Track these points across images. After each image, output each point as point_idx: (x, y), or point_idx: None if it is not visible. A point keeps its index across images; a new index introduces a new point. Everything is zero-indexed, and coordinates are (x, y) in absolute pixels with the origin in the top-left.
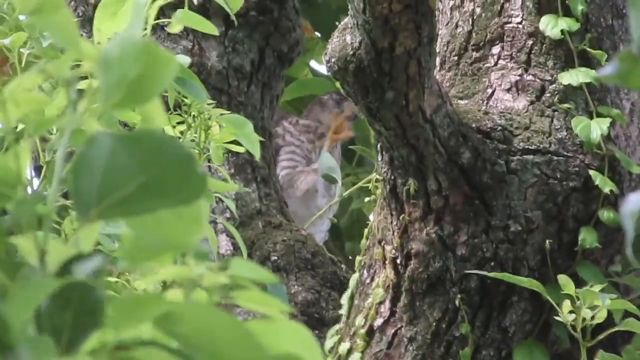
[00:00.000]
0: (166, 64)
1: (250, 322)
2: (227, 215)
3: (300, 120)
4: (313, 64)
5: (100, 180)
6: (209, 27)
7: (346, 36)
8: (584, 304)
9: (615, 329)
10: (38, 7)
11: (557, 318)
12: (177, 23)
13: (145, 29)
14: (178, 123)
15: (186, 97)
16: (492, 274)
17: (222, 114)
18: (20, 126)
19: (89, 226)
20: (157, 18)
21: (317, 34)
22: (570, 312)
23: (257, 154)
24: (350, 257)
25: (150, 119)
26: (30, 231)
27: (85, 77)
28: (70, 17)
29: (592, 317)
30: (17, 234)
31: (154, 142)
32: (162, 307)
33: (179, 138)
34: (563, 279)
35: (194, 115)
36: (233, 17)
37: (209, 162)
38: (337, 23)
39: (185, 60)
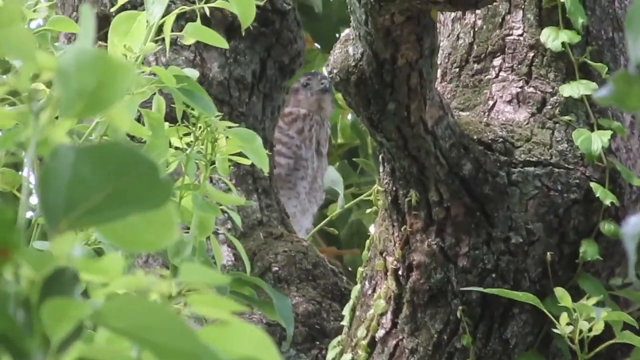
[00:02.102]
0: (122, 72)
1: (206, 327)
2: (229, 226)
3: (285, 110)
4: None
5: (66, 192)
6: (217, 40)
7: (348, 47)
8: (580, 316)
9: (612, 341)
10: None
11: (555, 331)
12: (188, 36)
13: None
14: (185, 135)
15: (193, 110)
16: (488, 290)
17: (229, 127)
18: None
19: (60, 237)
20: (162, 31)
21: (317, 45)
22: (568, 324)
23: (266, 169)
24: (350, 269)
25: (116, 125)
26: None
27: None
28: (25, 30)
29: (589, 329)
30: None
31: (118, 153)
32: (87, 308)
33: (185, 149)
34: (560, 291)
35: (201, 128)
36: (240, 26)
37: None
38: (337, 35)
39: (194, 73)
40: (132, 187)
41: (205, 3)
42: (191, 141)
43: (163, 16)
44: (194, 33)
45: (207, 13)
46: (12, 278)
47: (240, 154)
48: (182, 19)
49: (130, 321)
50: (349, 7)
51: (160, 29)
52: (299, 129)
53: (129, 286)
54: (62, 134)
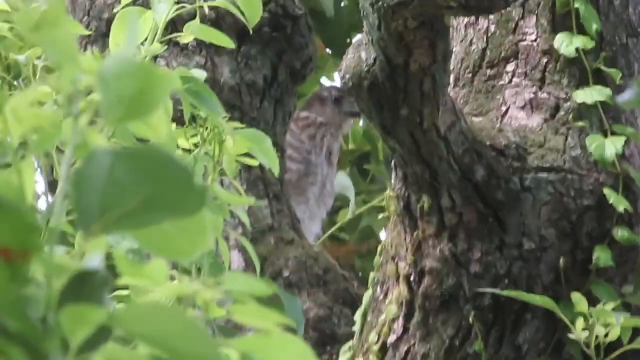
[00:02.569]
0: (163, 80)
1: (248, 337)
2: (240, 231)
3: (301, 112)
4: (324, 80)
5: (101, 195)
6: (223, 40)
7: (361, 52)
8: (597, 321)
9: (629, 347)
10: (38, 23)
11: (570, 336)
12: (189, 34)
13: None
14: (192, 136)
15: (200, 111)
16: (505, 292)
17: (237, 128)
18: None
19: (93, 240)
20: (171, 33)
21: (329, 51)
22: (584, 329)
23: (276, 170)
24: (360, 274)
25: (155, 131)
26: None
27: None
28: (69, 33)
29: (606, 335)
30: None
31: (153, 157)
32: (103, 313)
33: (193, 151)
34: (576, 296)
35: (208, 129)
36: (250, 29)
37: (221, 175)
38: (348, 40)
39: (201, 74)
40: (167, 193)
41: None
42: (198, 142)
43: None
44: (197, 32)
45: (206, 12)
46: (43, 280)
47: (249, 156)
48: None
49: (147, 327)
50: (362, 12)
51: (167, 30)
52: (311, 135)
53: (173, 293)
54: (101, 138)
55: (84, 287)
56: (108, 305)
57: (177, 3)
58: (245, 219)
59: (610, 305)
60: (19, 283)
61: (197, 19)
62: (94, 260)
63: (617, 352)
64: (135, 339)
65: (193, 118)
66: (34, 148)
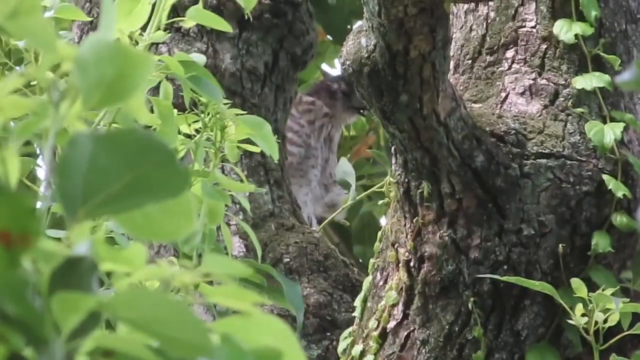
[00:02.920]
0: (141, 63)
1: (228, 318)
2: (241, 217)
3: (304, 97)
4: (325, 66)
5: (83, 181)
6: (222, 25)
7: (361, 39)
8: (596, 307)
9: (629, 332)
10: (14, 11)
11: (570, 321)
12: (190, 20)
13: (160, 28)
14: (194, 122)
15: (202, 96)
16: (504, 278)
17: (238, 114)
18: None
19: (78, 226)
20: (172, 19)
21: (329, 37)
22: (583, 315)
23: (275, 156)
24: (360, 260)
25: (134, 115)
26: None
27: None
28: (46, 20)
29: (605, 321)
30: None
31: (135, 140)
32: (92, 299)
33: (194, 136)
34: (576, 282)
35: (210, 115)
36: (248, 15)
37: (223, 162)
38: (349, 27)
39: (201, 59)
40: (150, 175)
41: None
42: (200, 128)
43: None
44: (196, 17)
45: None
46: (32, 266)
47: (250, 142)
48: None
49: (139, 313)
50: None
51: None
52: (310, 120)
53: (152, 276)
54: (80, 124)
55: (73, 273)
56: (96, 291)
57: None
58: (247, 205)
59: (609, 291)
60: (18, 267)
61: (200, 3)
62: (82, 246)
63: (617, 338)
64: (128, 325)
65: (195, 104)
66: (16, 135)
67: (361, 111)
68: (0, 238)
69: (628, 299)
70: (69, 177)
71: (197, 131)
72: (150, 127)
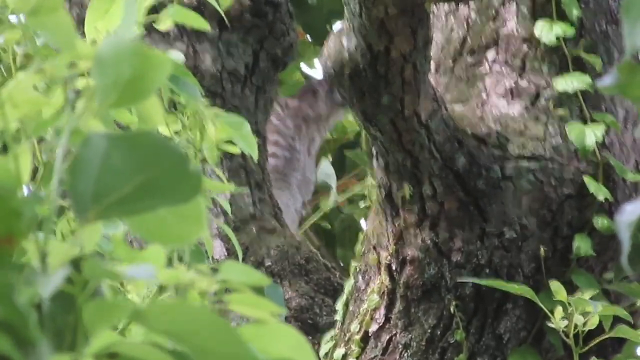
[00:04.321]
0: (159, 64)
1: (244, 326)
2: (222, 219)
3: (290, 101)
4: (304, 67)
5: (96, 181)
6: (201, 23)
7: (342, 40)
8: (576, 310)
9: (608, 335)
10: (35, 8)
11: (549, 324)
12: (167, 18)
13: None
14: (172, 122)
15: (180, 96)
16: (484, 282)
17: (218, 115)
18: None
19: (88, 227)
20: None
21: (308, 37)
22: (563, 318)
23: (255, 155)
24: (342, 264)
25: (147, 118)
26: (31, 232)
27: (83, 76)
28: (66, 18)
29: (584, 324)
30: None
31: (149, 143)
32: (127, 309)
33: (173, 138)
34: (555, 285)
35: (188, 115)
36: (223, 15)
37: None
38: (328, 27)
39: (179, 57)
40: (162, 179)
41: None
42: (179, 130)
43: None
44: (175, 15)
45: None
46: (40, 266)
47: (231, 144)
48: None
49: (172, 324)
50: None
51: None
52: (297, 125)
53: (170, 280)
54: (97, 124)
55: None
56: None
57: None
58: (227, 207)
59: (588, 294)
60: (3, 269)
61: (175, 2)
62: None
63: (597, 341)
64: (159, 334)
65: (173, 104)
66: (32, 133)
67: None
68: None
69: (609, 302)
70: (81, 176)
71: (176, 132)
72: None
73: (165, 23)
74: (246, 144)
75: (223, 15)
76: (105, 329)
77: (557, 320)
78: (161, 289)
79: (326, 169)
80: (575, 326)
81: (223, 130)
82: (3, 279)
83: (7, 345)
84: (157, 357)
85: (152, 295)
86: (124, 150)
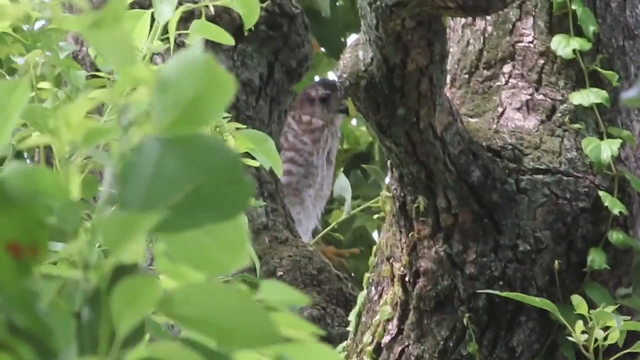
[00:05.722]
0: (225, 84)
1: (282, 344)
2: None
3: (302, 116)
4: (318, 79)
5: (146, 189)
6: (225, 38)
7: (358, 52)
8: (597, 324)
9: (629, 350)
10: (96, 21)
11: (569, 338)
12: (194, 33)
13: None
14: None
15: None
16: (504, 294)
17: (238, 128)
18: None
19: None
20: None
21: (323, 49)
22: (583, 332)
23: (280, 172)
24: (353, 274)
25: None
26: (75, 240)
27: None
28: (127, 35)
29: (605, 338)
30: (60, 241)
31: (203, 145)
32: (158, 292)
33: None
34: (577, 299)
35: (210, 128)
36: (246, 32)
37: None
38: (343, 39)
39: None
40: (214, 184)
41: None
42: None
43: None
44: (199, 30)
45: (212, 12)
46: (82, 275)
47: (247, 156)
48: (189, 21)
49: (200, 308)
50: (359, 11)
51: (166, 29)
52: (315, 139)
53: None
54: None
55: (119, 275)
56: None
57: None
58: (245, 219)
59: (610, 308)
60: (27, 278)
61: (203, 17)
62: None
63: (617, 355)
64: (188, 326)
65: None
66: (81, 153)
67: (341, 111)
68: (10, 249)
69: (630, 317)
70: (131, 184)
71: None
72: None
73: (193, 38)
74: (270, 160)
75: (250, 27)
76: (134, 316)
77: (578, 334)
78: None
79: (342, 183)
80: (596, 340)
81: (243, 144)
82: (26, 288)
83: (30, 355)
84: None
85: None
86: (178, 154)
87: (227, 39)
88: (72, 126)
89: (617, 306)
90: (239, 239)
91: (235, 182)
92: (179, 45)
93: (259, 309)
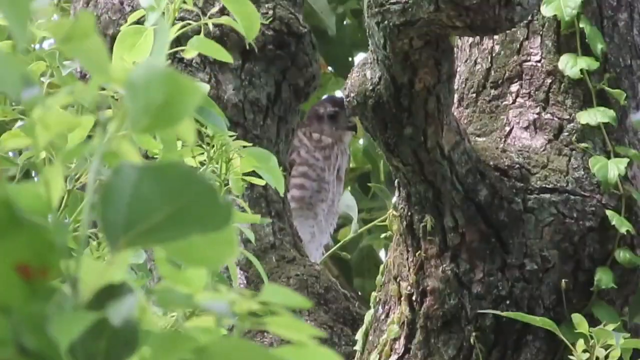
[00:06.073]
0: (190, 90)
1: (281, 348)
2: (242, 248)
3: (313, 133)
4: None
5: (127, 210)
6: (224, 55)
7: (366, 71)
8: (597, 343)
9: None
10: (68, 34)
11: (571, 358)
12: (192, 49)
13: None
14: (199, 154)
15: (206, 128)
16: (506, 314)
17: (244, 146)
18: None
19: (119, 255)
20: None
21: (330, 68)
22: (584, 351)
23: (281, 189)
24: (360, 293)
25: (172, 146)
26: (63, 258)
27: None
28: (100, 43)
29: (606, 356)
30: None
31: (178, 174)
32: (194, 343)
33: (200, 168)
34: (577, 317)
35: (215, 147)
36: (249, 44)
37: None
38: (350, 59)
39: (205, 87)
40: (192, 209)
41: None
42: (205, 160)
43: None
44: (198, 46)
45: (210, 29)
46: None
47: (254, 175)
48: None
49: None
50: (367, 30)
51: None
52: (326, 156)
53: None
54: (129, 148)
55: (110, 300)
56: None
57: (182, 20)
58: (251, 236)
59: (610, 326)
60: (37, 300)
61: (202, 34)
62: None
63: None
64: None
65: (200, 136)
66: (64, 157)
67: (349, 129)
68: (20, 271)
69: (629, 334)
70: (112, 205)
71: (202, 163)
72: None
73: (190, 53)
74: (273, 178)
75: (253, 45)
76: None
77: (579, 353)
78: (194, 311)
79: (348, 200)
80: (597, 358)
81: (248, 162)
82: (37, 311)
83: None
84: None
85: (178, 315)
86: (154, 180)
87: (226, 57)
88: (49, 124)
89: (617, 325)
90: (227, 235)
91: (212, 206)
92: (183, 63)
93: None
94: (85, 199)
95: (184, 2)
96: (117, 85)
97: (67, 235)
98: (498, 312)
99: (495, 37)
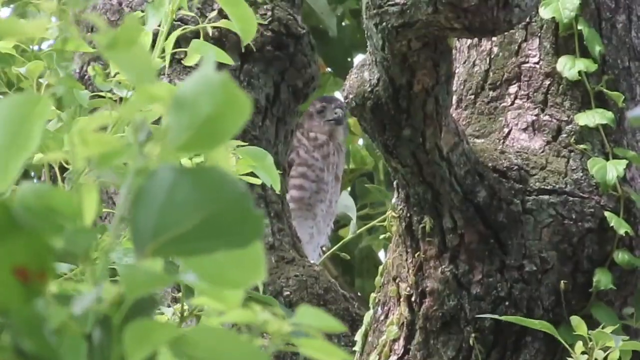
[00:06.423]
0: (241, 105)
1: None
2: None
3: (309, 132)
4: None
5: (159, 215)
6: (224, 58)
7: (364, 73)
8: (596, 345)
9: None
10: (114, 41)
11: (570, 359)
12: (193, 53)
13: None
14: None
15: None
16: (504, 317)
17: (239, 146)
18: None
19: (144, 262)
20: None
21: (329, 69)
22: (583, 352)
23: (277, 187)
24: (360, 294)
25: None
26: (87, 263)
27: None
28: (146, 53)
29: (605, 358)
30: (72, 263)
31: (214, 178)
32: (173, 332)
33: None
34: (575, 320)
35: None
36: (245, 44)
37: None
38: (349, 59)
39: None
40: (224, 216)
41: (209, 22)
42: (202, 161)
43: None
44: (199, 49)
45: (210, 33)
46: (94, 298)
47: (251, 175)
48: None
49: (212, 353)
50: (365, 32)
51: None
52: (324, 155)
53: (243, 319)
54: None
55: (136, 307)
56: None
57: (180, 21)
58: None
59: (610, 328)
60: (35, 303)
61: (201, 37)
62: None
63: None
64: None
65: None
66: (99, 172)
67: (336, 122)
68: (18, 274)
69: (628, 337)
70: (143, 209)
71: (199, 165)
72: None
73: (193, 58)
74: (269, 176)
75: (251, 46)
76: (145, 352)
77: (578, 355)
78: (233, 326)
79: (346, 201)
80: None
81: (245, 162)
82: (34, 313)
83: None
84: None
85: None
86: (189, 185)
87: (226, 59)
88: (87, 142)
89: (617, 325)
90: (254, 257)
91: (245, 214)
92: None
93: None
94: (116, 209)
95: (181, 8)
96: (161, 102)
97: (89, 239)
98: (497, 317)
99: (494, 38)
